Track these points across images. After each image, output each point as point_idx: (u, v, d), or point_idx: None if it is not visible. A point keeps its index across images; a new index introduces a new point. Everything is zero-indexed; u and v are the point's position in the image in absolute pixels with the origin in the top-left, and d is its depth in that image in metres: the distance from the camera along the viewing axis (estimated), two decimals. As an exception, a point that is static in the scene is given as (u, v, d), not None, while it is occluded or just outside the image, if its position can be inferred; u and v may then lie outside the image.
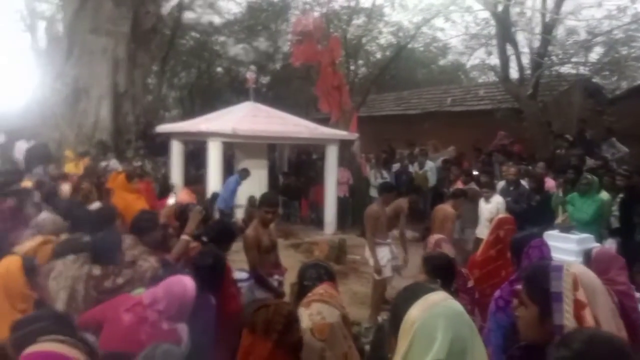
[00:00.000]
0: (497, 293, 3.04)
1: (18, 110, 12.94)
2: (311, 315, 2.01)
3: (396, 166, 11.71)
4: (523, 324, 1.81)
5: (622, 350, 1.08)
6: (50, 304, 2.92)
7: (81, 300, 3.01)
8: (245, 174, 9.04)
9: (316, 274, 2.59)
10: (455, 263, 3.38)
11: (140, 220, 3.67)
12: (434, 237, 4.11)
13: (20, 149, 10.35)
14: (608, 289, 1.88)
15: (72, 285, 2.98)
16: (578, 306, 1.69)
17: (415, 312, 1.46)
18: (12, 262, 2.82)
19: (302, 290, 2.54)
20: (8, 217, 4.75)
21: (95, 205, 5.30)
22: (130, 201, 6.12)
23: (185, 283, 2.69)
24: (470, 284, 3.66)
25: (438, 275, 3.09)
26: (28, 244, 3.66)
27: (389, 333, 1.55)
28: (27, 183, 6.59)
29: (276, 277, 4.39)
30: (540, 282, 1.77)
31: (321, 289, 2.27)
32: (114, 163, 9.76)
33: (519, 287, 2.98)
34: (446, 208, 6.26)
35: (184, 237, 3.75)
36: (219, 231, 3.91)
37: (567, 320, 1.67)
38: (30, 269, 2.85)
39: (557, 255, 4.72)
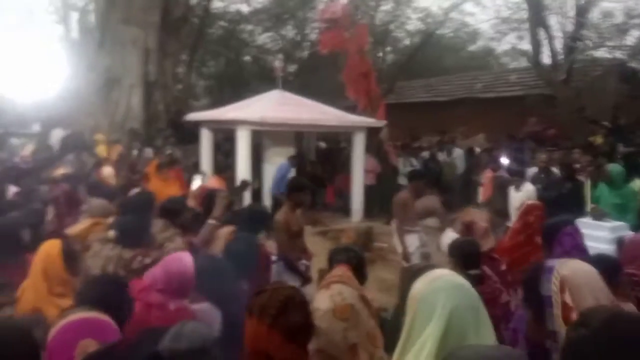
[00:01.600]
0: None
1: (53, 100, 13.33)
2: (332, 296, 2.03)
3: (425, 154, 11.62)
4: (527, 325, 1.80)
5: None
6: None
7: None
8: (294, 161, 9.55)
9: (346, 258, 2.62)
10: (479, 247, 3.37)
11: (170, 204, 3.76)
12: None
13: (56, 137, 10.67)
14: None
15: (103, 265, 3.09)
16: (566, 309, 1.64)
17: (418, 286, 1.50)
18: (52, 246, 2.92)
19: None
20: (62, 202, 4.95)
21: (134, 191, 5.44)
22: (160, 188, 6.28)
23: (183, 259, 2.70)
24: (503, 267, 3.64)
25: (465, 260, 3.10)
26: (80, 225, 3.83)
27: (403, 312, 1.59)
28: (60, 170, 6.81)
29: (304, 261, 4.45)
30: (533, 285, 1.73)
31: (339, 270, 2.30)
32: (147, 152, 9.97)
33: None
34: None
35: (211, 221, 3.83)
36: (250, 216, 3.96)
37: (558, 325, 1.63)
38: (69, 254, 2.94)
39: (590, 244, 4.65)
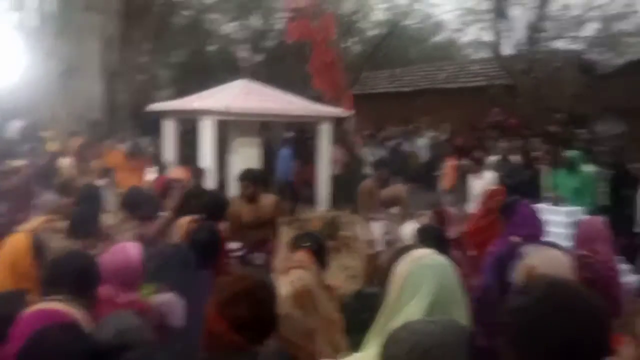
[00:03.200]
0: (491, 248, 3.17)
1: (9, 90, 12.84)
2: (292, 282, 2.03)
3: (391, 144, 11.73)
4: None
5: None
6: None
7: None
8: (289, 141, 10.32)
9: (308, 243, 2.64)
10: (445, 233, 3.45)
11: (130, 196, 3.70)
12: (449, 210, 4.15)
13: (13, 128, 10.30)
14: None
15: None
16: None
17: (403, 265, 1.52)
18: (20, 240, 2.83)
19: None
20: (14, 197, 4.79)
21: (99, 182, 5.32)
22: (127, 178, 6.16)
23: (128, 250, 2.67)
24: (471, 252, 3.74)
25: (433, 245, 3.16)
26: (33, 222, 3.68)
27: (381, 294, 1.60)
28: (17, 162, 6.60)
29: (256, 254, 4.40)
30: (501, 267, 1.76)
31: (299, 256, 2.30)
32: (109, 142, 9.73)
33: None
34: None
35: (164, 213, 3.80)
36: (211, 205, 3.94)
37: None
38: (39, 248, 2.87)
39: (547, 228, 4.81)
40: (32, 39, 13.32)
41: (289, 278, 2.08)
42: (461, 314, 1.53)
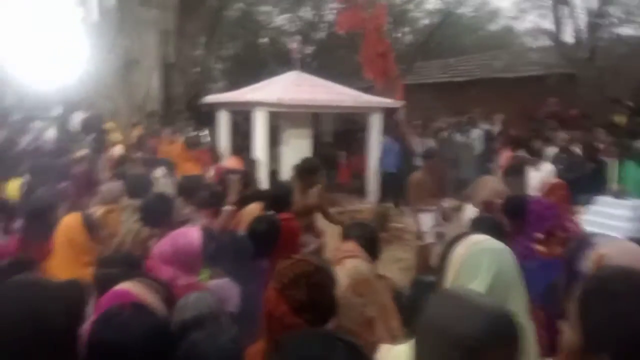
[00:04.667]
0: (515, 247, 3.11)
1: (73, 83, 13.46)
2: (348, 271, 2.03)
3: (444, 135, 11.51)
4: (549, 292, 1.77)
5: None
6: None
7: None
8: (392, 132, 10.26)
9: (360, 232, 2.64)
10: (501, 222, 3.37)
11: (185, 182, 3.81)
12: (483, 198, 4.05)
13: (76, 120, 10.81)
14: None
15: (124, 235, 3.16)
16: None
17: (461, 249, 1.51)
18: (72, 219, 3.00)
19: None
20: (81, 182, 5.05)
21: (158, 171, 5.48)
22: (186, 169, 6.35)
23: (190, 234, 2.73)
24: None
25: (489, 234, 3.11)
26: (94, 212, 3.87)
27: (439, 282, 1.59)
28: (81, 152, 6.92)
29: (309, 238, 4.47)
30: (571, 257, 1.70)
31: (349, 246, 2.29)
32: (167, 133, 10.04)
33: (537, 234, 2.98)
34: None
35: (227, 207, 3.87)
36: (276, 195, 3.97)
37: None
38: (91, 224, 3.02)
39: (610, 222, 4.61)
40: (93, 33, 13.90)
41: (345, 267, 2.08)
42: (519, 299, 1.51)
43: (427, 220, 5.75)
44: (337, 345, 1.23)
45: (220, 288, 2.84)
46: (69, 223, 2.97)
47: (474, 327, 1.06)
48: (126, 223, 3.31)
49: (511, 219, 3.32)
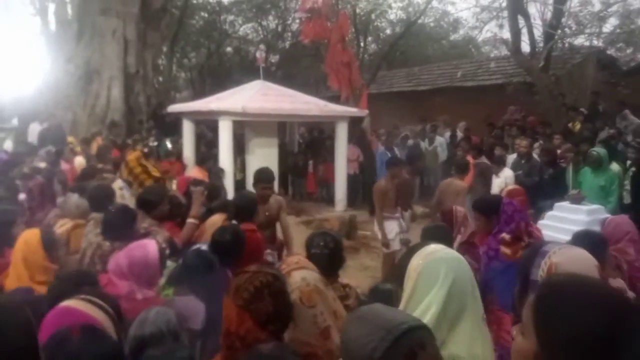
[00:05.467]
0: (483, 248, 3.22)
1: (30, 93, 13.09)
2: (296, 283, 2.02)
3: (409, 142, 11.67)
4: (514, 299, 1.80)
5: (601, 287, 1.10)
6: None
7: (86, 266, 3.09)
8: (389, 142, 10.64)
9: (323, 242, 2.64)
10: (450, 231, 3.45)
11: (146, 195, 3.74)
12: (459, 210, 4.07)
13: (34, 131, 10.50)
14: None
15: (85, 249, 3.08)
16: None
17: (417, 260, 1.53)
18: (31, 236, 2.90)
19: (309, 258, 2.58)
20: (36, 195, 4.89)
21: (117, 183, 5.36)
22: (142, 179, 6.22)
23: (147, 246, 2.67)
24: (481, 250, 3.71)
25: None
26: (61, 226, 3.76)
27: (396, 290, 1.62)
28: (38, 164, 6.72)
29: (268, 251, 4.45)
30: (525, 266, 1.72)
31: (295, 258, 2.28)
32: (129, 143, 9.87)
33: (503, 235, 3.11)
34: (457, 182, 6.22)
35: (190, 220, 3.81)
36: (239, 205, 3.93)
37: None
38: (49, 243, 2.93)
39: (567, 227, 4.74)
40: (51, 44, 13.57)
41: (293, 279, 2.06)
42: (476, 305, 1.54)
43: (392, 227, 5.80)
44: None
45: (185, 305, 2.78)
46: (27, 240, 2.87)
47: (372, 345, 1.12)
48: (87, 236, 3.22)
49: (485, 217, 3.38)
